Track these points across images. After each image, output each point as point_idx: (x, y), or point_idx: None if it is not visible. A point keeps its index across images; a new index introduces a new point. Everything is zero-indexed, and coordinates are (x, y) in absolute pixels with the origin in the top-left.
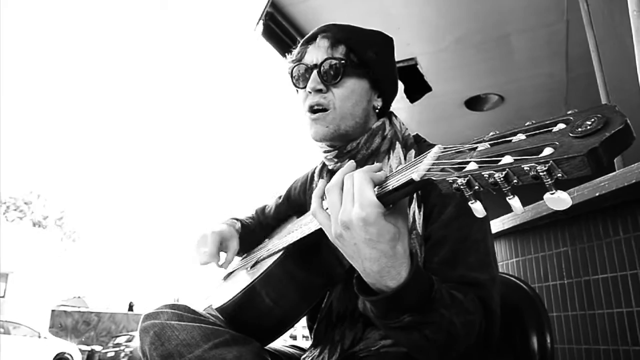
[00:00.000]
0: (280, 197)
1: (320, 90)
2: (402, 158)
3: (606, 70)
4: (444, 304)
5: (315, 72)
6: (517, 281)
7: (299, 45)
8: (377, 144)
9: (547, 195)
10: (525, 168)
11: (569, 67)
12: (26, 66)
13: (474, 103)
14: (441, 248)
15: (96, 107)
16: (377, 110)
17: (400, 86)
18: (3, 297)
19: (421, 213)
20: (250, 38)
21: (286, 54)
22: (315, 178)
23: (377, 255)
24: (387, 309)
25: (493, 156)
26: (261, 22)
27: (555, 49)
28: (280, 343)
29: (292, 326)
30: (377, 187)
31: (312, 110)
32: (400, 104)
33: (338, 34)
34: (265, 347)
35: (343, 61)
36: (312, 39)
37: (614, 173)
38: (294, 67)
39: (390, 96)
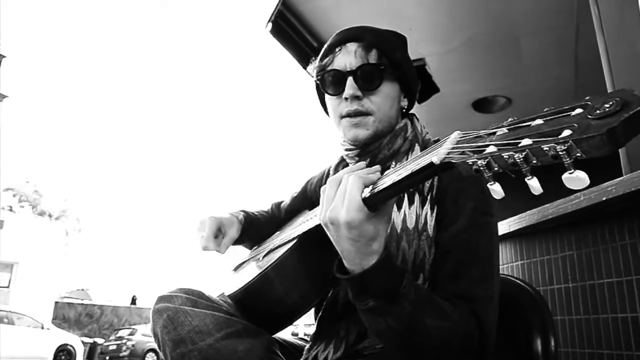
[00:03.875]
0: (296, 193)
1: (357, 97)
2: None
3: (616, 75)
4: (410, 299)
5: (350, 78)
6: (522, 284)
7: (325, 50)
8: (399, 144)
9: (565, 175)
10: (545, 148)
11: (578, 71)
12: (29, 59)
13: (482, 105)
14: (447, 259)
15: (104, 101)
16: (403, 110)
17: None
18: (8, 287)
19: (434, 215)
20: (261, 36)
21: (310, 59)
22: (332, 173)
23: (355, 250)
24: (355, 290)
25: (512, 139)
26: (272, 20)
27: (564, 52)
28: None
29: (302, 315)
30: (368, 187)
31: (351, 115)
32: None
33: (368, 37)
34: (274, 336)
35: (382, 67)
36: (340, 43)
37: (621, 178)
38: (325, 73)
39: (415, 95)
